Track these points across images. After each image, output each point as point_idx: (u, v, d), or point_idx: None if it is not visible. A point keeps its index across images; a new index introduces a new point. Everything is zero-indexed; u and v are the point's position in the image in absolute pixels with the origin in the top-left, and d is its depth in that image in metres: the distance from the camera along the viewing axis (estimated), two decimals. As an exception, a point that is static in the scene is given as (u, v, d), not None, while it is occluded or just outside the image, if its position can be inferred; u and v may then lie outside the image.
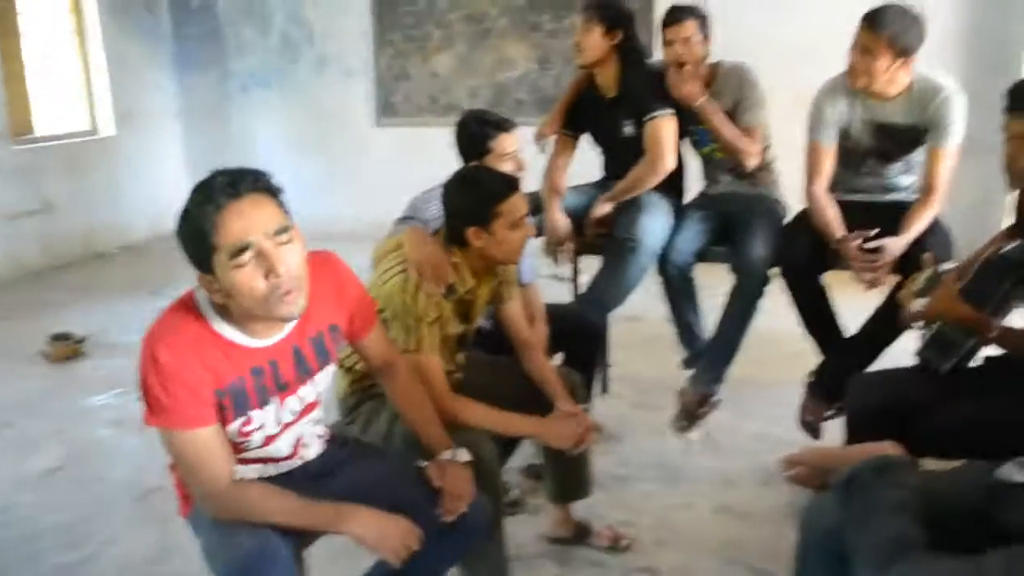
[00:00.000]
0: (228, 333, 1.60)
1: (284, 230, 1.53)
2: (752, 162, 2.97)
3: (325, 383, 1.83)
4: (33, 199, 6.16)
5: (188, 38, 7.16)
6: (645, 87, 2.97)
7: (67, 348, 4.32)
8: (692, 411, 3.02)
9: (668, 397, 3.50)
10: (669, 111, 2.96)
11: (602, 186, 3.27)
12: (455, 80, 6.33)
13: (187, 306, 1.60)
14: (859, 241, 2.57)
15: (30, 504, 2.95)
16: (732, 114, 2.98)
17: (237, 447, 1.70)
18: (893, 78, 2.59)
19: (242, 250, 1.48)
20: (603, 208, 3.04)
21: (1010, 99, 1.94)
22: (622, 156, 3.12)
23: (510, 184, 2.14)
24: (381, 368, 1.98)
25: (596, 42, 2.97)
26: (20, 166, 6.05)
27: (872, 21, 2.56)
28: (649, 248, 2.86)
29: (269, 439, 1.73)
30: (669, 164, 2.97)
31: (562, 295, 3.83)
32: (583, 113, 3.14)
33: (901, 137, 2.71)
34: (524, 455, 2.98)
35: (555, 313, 2.77)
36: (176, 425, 1.56)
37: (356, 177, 6.82)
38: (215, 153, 7.06)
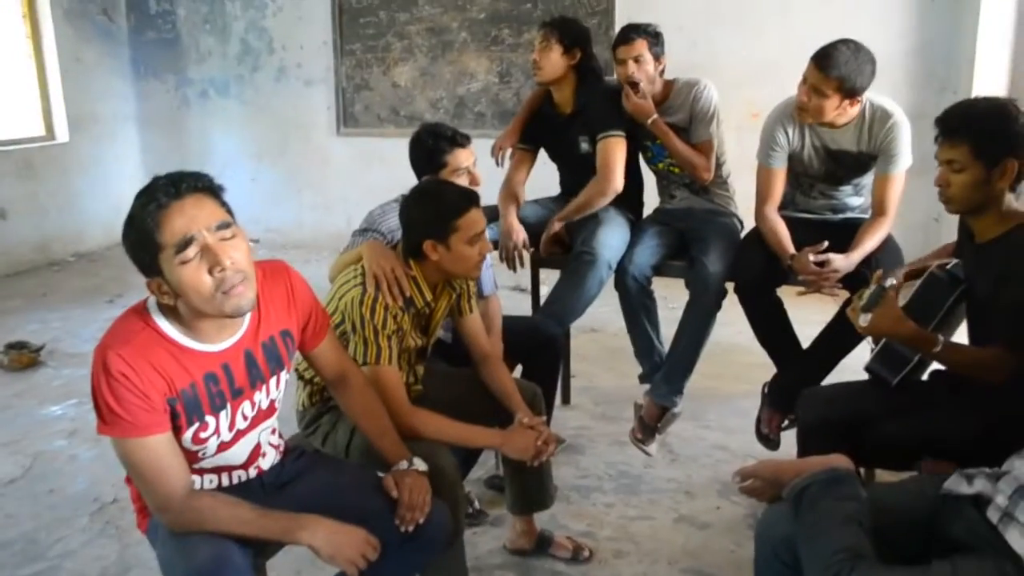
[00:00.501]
0: (179, 338, 1.62)
1: (226, 225, 1.57)
2: (706, 176, 3.04)
3: (279, 391, 1.84)
4: (-15, 205, 6.05)
5: (146, 44, 7.09)
6: (600, 105, 3.04)
7: (23, 357, 4.26)
8: (650, 424, 3.07)
9: (629, 408, 3.55)
10: (619, 131, 3.02)
11: (560, 200, 3.33)
12: (416, 91, 6.35)
13: (138, 313, 1.63)
14: (810, 256, 2.64)
15: (-17, 518, 2.91)
16: (687, 130, 3.05)
17: (192, 456, 1.71)
18: (842, 113, 2.65)
19: (185, 244, 1.51)
20: (555, 227, 3.10)
21: (938, 126, 2.01)
22: (579, 172, 3.17)
23: (469, 199, 2.17)
24: (334, 379, 2.00)
25: (555, 60, 3.02)
26: (-28, 172, 5.95)
27: (822, 62, 2.56)
28: (606, 261, 2.92)
29: (224, 446, 1.75)
30: (617, 184, 3.03)
31: (523, 306, 3.88)
32: (540, 128, 3.20)
33: (851, 162, 2.79)
34: (486, 467, 3.02)
35: (514, 326, 2.81)
36: (129, 433, 1.56)
37: (316, 186, 6.81)
38: (172, 160, 7.01)
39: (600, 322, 4.38)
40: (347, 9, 6.37)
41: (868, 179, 2.84)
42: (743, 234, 3.12)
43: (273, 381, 1.80)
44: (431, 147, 2.58)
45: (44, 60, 6.60)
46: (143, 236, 1.52)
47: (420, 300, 2.21)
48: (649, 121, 2.98)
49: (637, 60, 2.97)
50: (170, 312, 1.61)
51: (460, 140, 2.59)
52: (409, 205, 2.22)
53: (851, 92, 2.58)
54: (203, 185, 1.58)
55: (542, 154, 3.38)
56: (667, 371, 3.01)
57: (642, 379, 3.20)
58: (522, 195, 3.25)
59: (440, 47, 6.20)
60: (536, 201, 3.35)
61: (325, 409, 2.23)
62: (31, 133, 6.59)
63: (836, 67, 2.54)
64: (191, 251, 1.51)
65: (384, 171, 6.49)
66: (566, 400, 3.70)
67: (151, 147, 7.24)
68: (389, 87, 6.41)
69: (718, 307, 2.89)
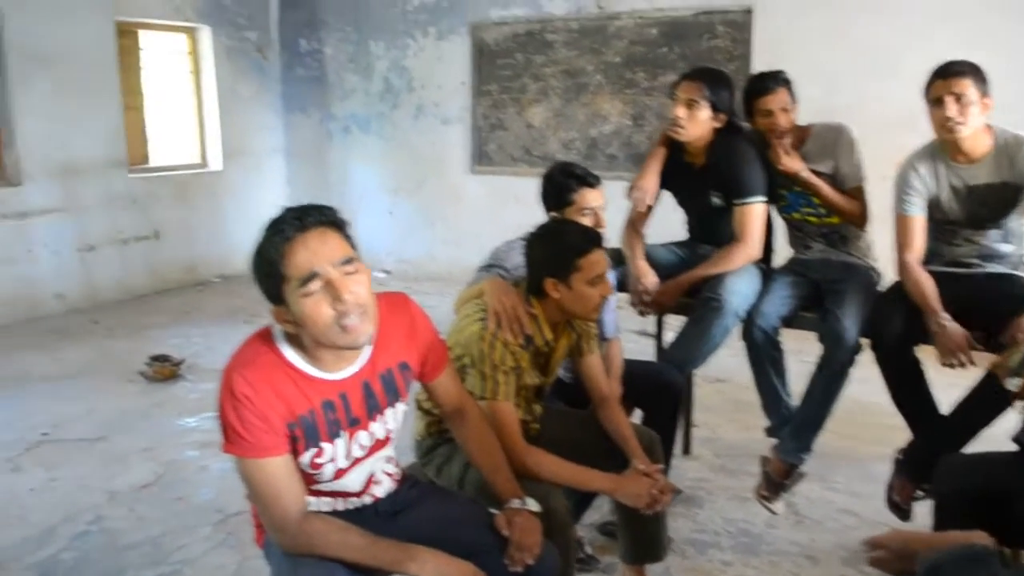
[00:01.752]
0: (300, 364, 1.66)
1: (349, 260, 1.60)
2: (863, 223, 2.94)
3: (395, 421, 1.86)
4: (144, 226, 6.50)
5: (295, 80, 7.49)
6: (741, 167, 2.93)
7: (165, 369, 4.51)
8: (777, 481, 2.94)
9: (752, 463, 3.43)
10: (762, 197, 2.95)
11: (688, 247, 3.26)
12: (549, 132, 6.43)
13: (263, 338, 1.68)
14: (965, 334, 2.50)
15: (120, 517, 3.07)
16: (833, 178, 2.94)
17: (309, 478, 1.75)
18: (977, 133, 2.58)
19: (309, 279, 1.54)
20: (683, 285, 2.98)
21: None
22: (709, 223, 3.11)
23: (593, 239, 2.16)
24: (451, 412, 2.01)
25: (701, 123, 2.92)
26: (135, 194, 6.41)
27: (950, 68, 2.57)
28: (734, 309, 2.83)
29: (340, 472, 1.77)
30: (757, 252, 2.96)
31: (647, 351, 3.81)
32: (670, 175, 3.13)
33: (994, 198, 2.63)
34: (601, 511, 2.96)
35: (635, 370, 2.76)
36: (249, 453, 1.61)
37: (449, 221, 6.96)
38: (314, 190, 7.35)
39: (727, 372, 4.26)
40: (485, 51, 6.54)
41: (1015, 222, 2.68)
42: (882, 288, 2.98)
43: (390, 412, 1.83)
44: (560, 184, 2.59)
45: (203, 94, 7.08)
46: (269, 267, 1.57)
47: (540, 339, 2.20)
48: (802, 176, 2.88)
49: (782, 111, 2.90)
50: (293, 339, 1.65)
51: (590, 180, 2.58)
52: (533, 242, 2.23)
53: (984, 83, 2.56)
54: (328, 219, 1.61)
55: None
56: (795, 427, 2.88)
57: (769, 433, 3.07)
58: (643, 237, 3.21)
59: (575, 89, 6.26)
60: (663, 245, 3.29)
61: (442, 440, 2.24)
62: (188, 160, 7.04)
63: (961, 66, 2.56)
64: (313, 285, 1.55)
65: (516, 209, 6.55)
66: (686, 450, 3.60)
67: (296, 178, 7.60)
68: (523, 127, 6.51)
69: (851, 364, 2.75)
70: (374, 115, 7.18)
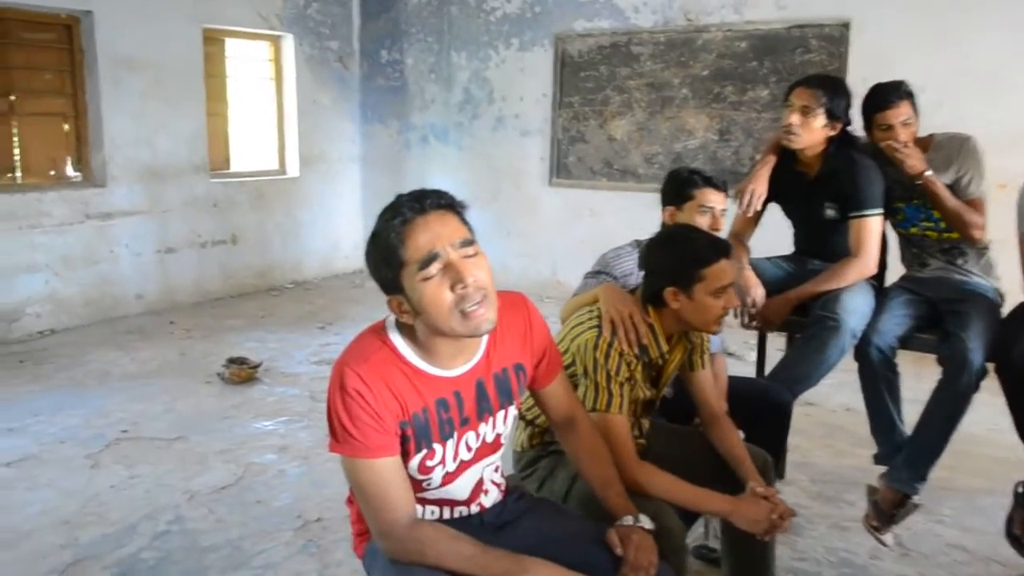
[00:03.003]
0: (415, 360, 1.58)
1: (469, 242, 1.52)
2: (979, 236, 2.75)
3: (506, 426, 1.75)
4: (222, 230, 6.55)
5: (375, 90, 7.51)
6: (858, 178, 2.79)
7: (243, 372, 4.48)
8: (887, 511, 2.76)
9: (849, 490, 3.25)
10: (879, 210, 2.79)
11: (795, 261, 3.10)
12: (631, 146, 6.30)
13: (377, 332, 1.60)
14: None
15: (199, 518, 3.02)
16: (953, 188, 2.77)
17: (418, 485, 1.65)
18: None
19: (429, 260, 1.47)
20: (792, 302, 2.84)
21: None
22: (820, 236, 2.96)
23: (720, 249, 2.03)
24: (561, 421, 1.90)
25: (816, 131, 2.79)
26: (215, 198, 6.47)
27: None
28: (851, 329, 2.66)
29: (448, 478, 1.67)
30: (872, 268, 2.81)
31: (733, 371, 3.65)
32: (780, 184, 2.98)
33: None
34: (695, 534, 2.81)
35: (740, 388, 2.61)
36: (359, 453, 1.52)
37: (524, 233, 6.87)
38: (389, 199, 7.28)
39: (818, 396, 4.07)
40: (569, 63, 6.46)
41: None
42: (1005, 310, 2.78)
43: (501, 415, 1.72)
44: (684, 179, 2.52)
45: (284, 101, 7.14)
46: (387, 252, 1.50)
47: (655, 350, 2.08)
48: (924, 177, 2.71)
49: (905, 125, 2.74)
50: (407, 333, 1.58)
51: (716, 182, 2.50)
52: (654, 248, 2.11)
53: None
54: (447, 202, 1.54)
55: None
56: (910, 455, 2.69)
57: (877, 460, 2.89)
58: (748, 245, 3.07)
59: (659, 102, 6.13)
60: (768, 259, 3.14)
61: (544, 453, 2.13)
62: (266, 167, 7.09)
63: None
64: (434, 268, 1.48)
65: (593, 223, 6.47)
66: (780, 475, 3.41)
67: (371, 187, 7.61)
68: (604, 140, 6.40)
69: (976, 389, 2.57)
70: (452, 125, 7.14)
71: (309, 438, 3.78)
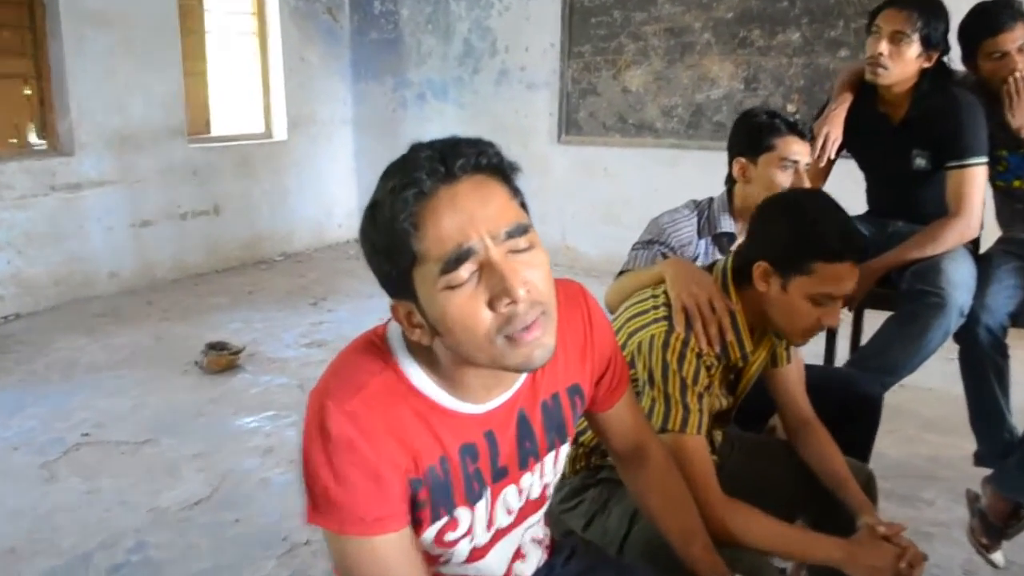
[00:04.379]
0: (432, 392, 1.06)
1: (523, 230, 0.99)
2: None
3: (555, 470, 1.25)
4: (204, 200, 6.02)
5: (367, 44, 6.94)
6: (959, 118, 2.27)
7: (222, 359, 3.98)
8: (997, 524, 2.27)
9: (925, 487, 2.80)
10: (984, 158, 2.28)
11: (871, 223, 2.58)
12: (648, 98, 5.74)
13: (375, 348, 1.07)
14: None
15: (164, 544, 2.54)
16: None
17: (432, 559, 1.15)
18: None
19: (459, 260, 0.95)
20: (879, 272, 2.33)
21: None
22: (905, 191, 2.45)
23: (852, 247, 1.46)
24: (627, 453, 1.40)
25: (909, 61, 2.26)
26: (195, 165, 5.93)
27: None
28: (958, 306, 2.14)
29: (477, 553, 1.17)
30: (975, 229, 2.32)
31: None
32: (857, 128, 2.46)
33: None
34: None
35: (820, 380, 2.10)
36: (350, 529, 1.02)
37: (532, 195, 6.01)
38: (384, 164, 6.75)
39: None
40: (578, 8, 5.88)
41: None
42: None
43: (550, 457, 1.22)
44: (762, 124, 2.01)
45: (268, 58, 6.58)
46: (391, 239, 0.97)
47: (736, 352, 1.57)
48: None
49: (1021, 50, 2.23)
50: (421, 351, 1.06)
51: (801, 129, 1.98)
52: (770, 210, 1.58)
53: None
54: (489, 161, 1.01)
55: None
56: (1026, 457, 2.21)
57: (978, 460, 2.40)
58: None
59: (679, 49, 5.56)
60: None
61: (592, 480, 1.63)
62: (251, 130, 6.55)
63: None
64: (465, 270, 0.95)
65: (607, 183, 5.95)
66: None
67: (365, 150, 7.08)
68: (618, 92, 5.84)
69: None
70: (452, 81, 6.57)
71: (297, 437, 3.23)
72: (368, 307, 4.85)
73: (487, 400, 1.09)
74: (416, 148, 0.99)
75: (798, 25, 5.11)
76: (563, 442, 1.22)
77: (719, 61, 5.45)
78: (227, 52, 6.41)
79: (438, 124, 6.66)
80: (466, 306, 0.95)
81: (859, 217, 2.64)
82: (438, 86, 6.65)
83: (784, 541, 1.48)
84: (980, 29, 2.27)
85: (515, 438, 1.14)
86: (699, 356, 1.48)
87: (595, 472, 1.63)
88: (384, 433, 1.01)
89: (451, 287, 0.95)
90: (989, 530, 2.29)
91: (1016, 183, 2.44)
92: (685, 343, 1.48)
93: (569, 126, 6.09)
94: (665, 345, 1.48)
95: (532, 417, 1.16)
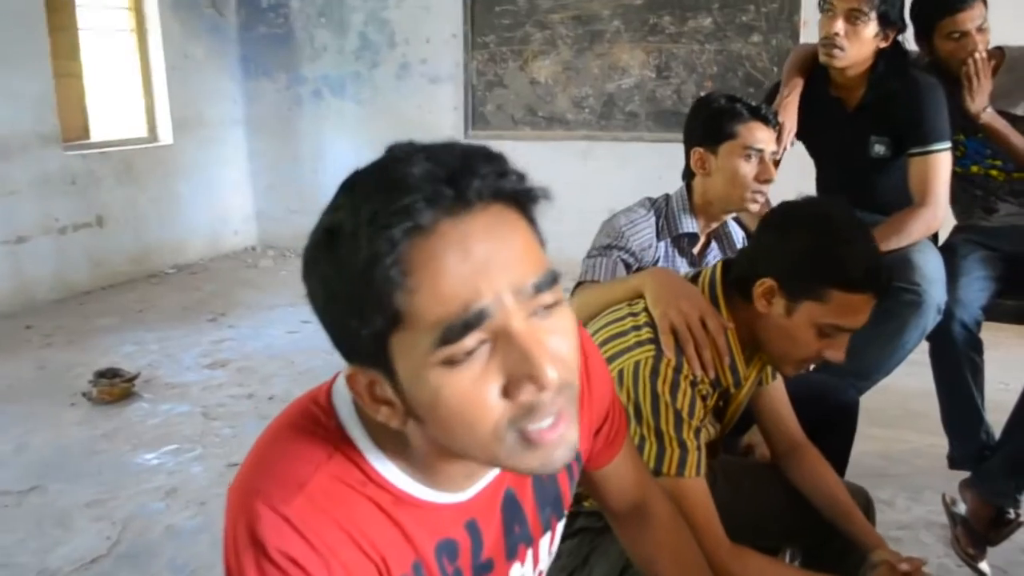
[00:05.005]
0: (400, 481, 0.81)
1: (551, 280, 0.73)
2: None
3: (551, 553, 1.03)
4: (85, 211, 5.53)
5: (256, 40, 6.54)
6: (921, 102, 2.15)
7: (115, 389, 3.60)
8: (980, 531, 2.17)
9: (881, 486, 2.68)
10: (947, 144, 2.16)
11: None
12: (557, 89, 5.57)
13: (317, 425, 0.81)
14: None
15: (57, 617, 2.21)
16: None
17: None
18: None
19: (467, 327, 0.68)
20: None
21: None
22: (862, 180, 2.32)
23: (874, 280, 1.28)
24: (626, 511, 1.18)
25: (866, 42, 2.12)
26: (72, 174, 5.43)
27: None
28: (936, 303, 2.02)
29: None
30: (941, 219, 2.20)
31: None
32: (810, 114, 2.32)
33: None
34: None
35: (794, 387, 1.94)
36: None
37: (439, 196, 6.08)
38: (282, 165, 6.50)
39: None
40: (480, -3, 5.66)
41: None
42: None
43: (546, 540, 0.99)
44: (723, 109, 1.82)
45: (149, 56, 6.11)
46: (365, 287, 0.68)
47: (729, 375, 1.39)
48: (983, 118, 2.11)
49: (980, 31, 2.14)
50: (382, 428, 0.79)
51: (766, 115, 1.80)
52: (783, 222, 1.38)
53: None
54: (511, 186, 0.72)
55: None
56: (1011, 458, 2.10)
57: (953, 463, 2.30)
58: None
59: (587, 38, 5.40)
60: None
61: (569, 530, 1.41)
62: (133, 134, 6.08)
63: None
64: (472, 339, 0.69)
65: (518, 179, 5.74)
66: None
67: (259, 152, 6.68)
68: (526, 84, 5.64)
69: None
70: (349, 76, 6.25)
71: (204, 473, 2.97)
72: (272, 318, 4.51)
73: (467, 487, 0.86)
74: (403, 154, 0.71)
75: (709, 10, 5.03)
76: (560, 518, 1.01)
77: (629, 49, 5.32)
78: (105, 51, 5.91)
79: (336, 123, 6.35)
80: (471, 391, 0.69)
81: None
82: (335, 82, 6.32)
83: (798, 588, 1.31)
84: (938, 7, 2.17)
85: (501, 524, 0.91)
86: (694, 385, 1.28)
87: (571, 520, 1.42)
88: (339, 541, 0.76)
89: (454, 363, 0.69)
90: (975, 540, 2.19)
91: (974, 168, 2.36)
92: (677, 370, 1.28)
93: (476, 120, 5.86)
94: (654, 373, 1.27)
95: (522, 495, 0.93)
